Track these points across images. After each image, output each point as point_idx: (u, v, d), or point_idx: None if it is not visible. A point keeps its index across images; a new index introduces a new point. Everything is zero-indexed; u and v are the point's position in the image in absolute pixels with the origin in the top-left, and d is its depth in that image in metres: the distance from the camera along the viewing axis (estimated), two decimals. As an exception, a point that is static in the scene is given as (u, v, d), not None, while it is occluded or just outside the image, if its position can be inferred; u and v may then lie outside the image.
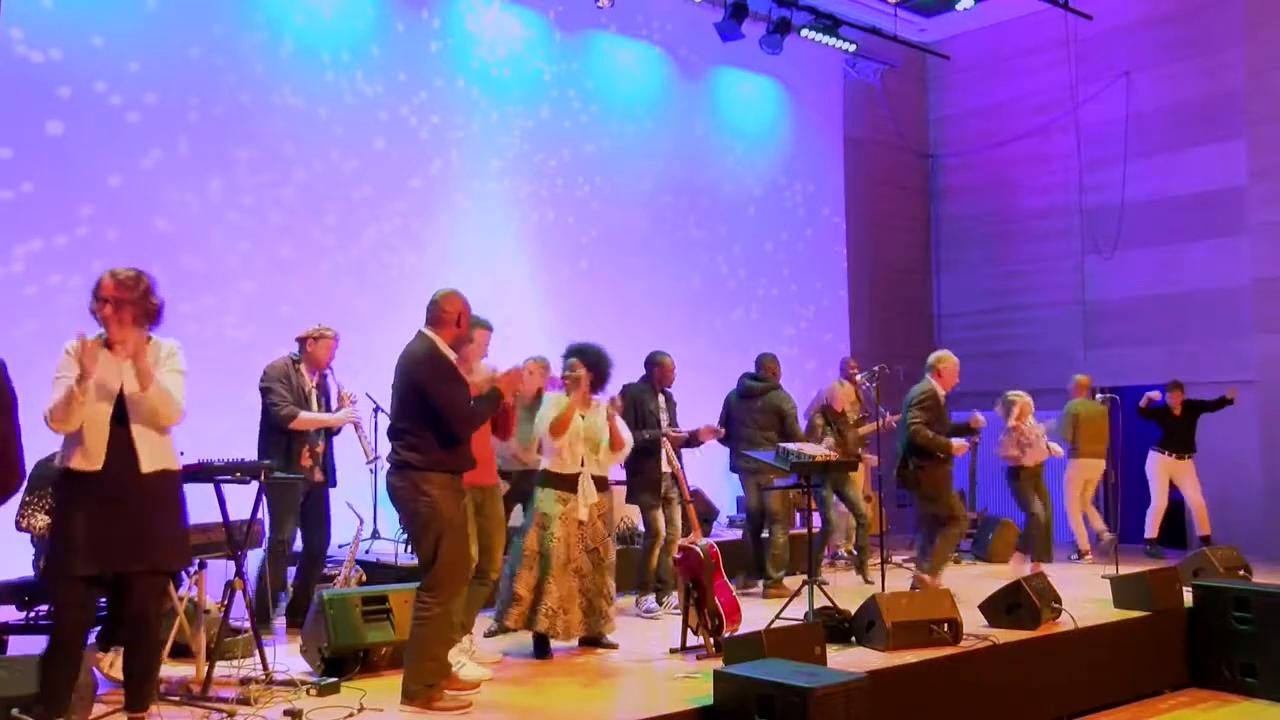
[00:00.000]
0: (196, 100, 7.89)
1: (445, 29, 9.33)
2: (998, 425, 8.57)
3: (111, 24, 7.56)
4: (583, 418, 5.79)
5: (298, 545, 6.34)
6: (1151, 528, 9.64)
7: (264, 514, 5.46)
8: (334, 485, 6.46)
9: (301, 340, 6.35)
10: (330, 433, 6.42)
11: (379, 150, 8.81)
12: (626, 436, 6.01)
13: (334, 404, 6.41)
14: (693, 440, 7.29)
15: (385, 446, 7.40)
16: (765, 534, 7.90)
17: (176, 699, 4.53)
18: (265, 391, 6.13)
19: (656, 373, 7.19)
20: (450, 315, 4.70)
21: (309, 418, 6.16)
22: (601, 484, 5.85)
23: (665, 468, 6.86)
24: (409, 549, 6.09)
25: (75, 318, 6.70)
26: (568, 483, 5.71)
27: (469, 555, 4.78)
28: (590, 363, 5.86)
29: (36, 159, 7.21)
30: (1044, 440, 8.46)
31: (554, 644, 5.69)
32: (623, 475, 7.16)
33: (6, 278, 7.07)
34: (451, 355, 4.71)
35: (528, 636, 5.91)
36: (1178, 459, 9.62)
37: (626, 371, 7.48)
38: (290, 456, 6.07)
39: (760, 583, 7.85)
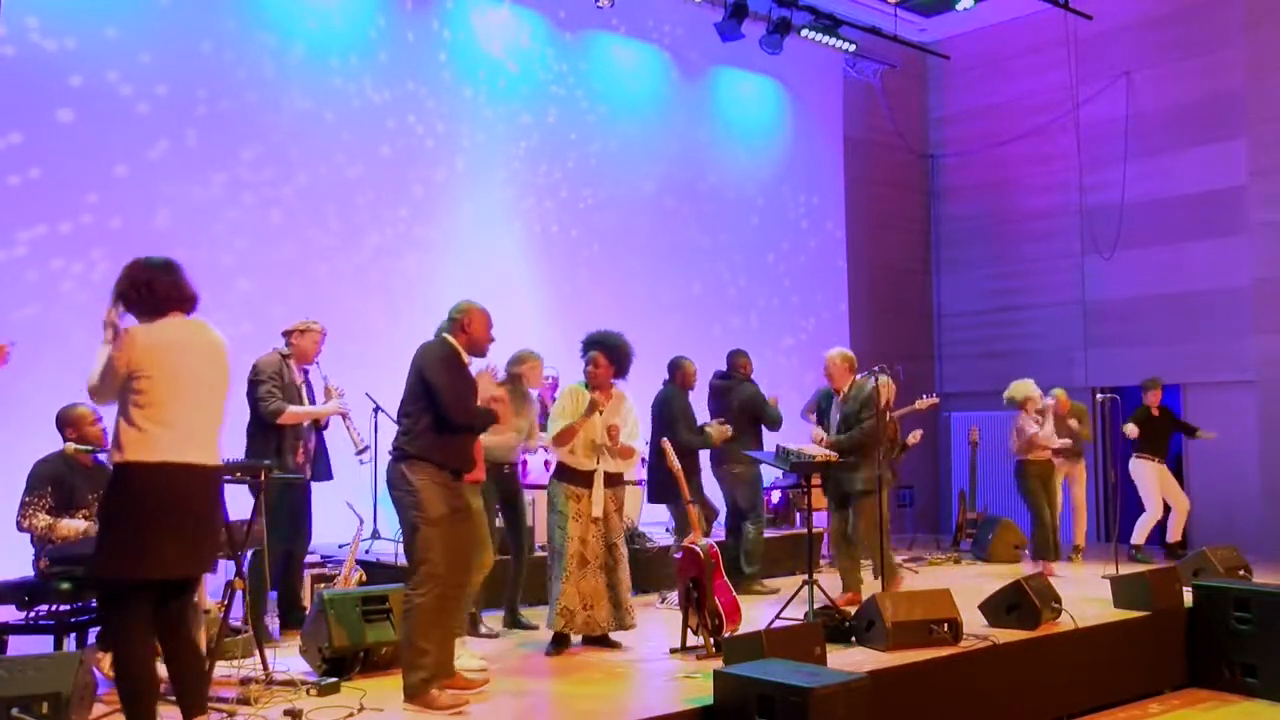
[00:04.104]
0: (205, 93, 7.92)
1: (454, 38, 9.34)
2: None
3: (125, 15, 7.62)
4: (600, 413, 5.69)
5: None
6: (1140, 534, 9.14)
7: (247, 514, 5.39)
8: (330, 478, 6.37)
9: (287, 334, 6.23)
10: (319, 428, 6.32)
11: (384, 157, 8.82)
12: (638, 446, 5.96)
13: (320, 398, 6.27)
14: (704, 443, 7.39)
15: (378, 439, 7.37)
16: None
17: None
18: (255, 385, 5.93)
19: (680, 376, 7.52)
20: (464, 325, 4.83)
21: (296, 411, 6.01)
22: (613, 480, 5.76)
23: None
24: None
25: (76, 303, 6.68)
26: (582, 478, 5.67)
27: (456, 551, 4.68)
28: (612, 356, 5.76)
29: (45, 146, 7.24)
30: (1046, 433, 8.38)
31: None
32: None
33: (9, 262, 7.08)
34: (465, 357, 4.80)
35: (528, 635, 5.90)
36: (1159, 463, 9.24)
37: (633, 373, 7.48)
38: (281, 455, 5.92)
39: None
